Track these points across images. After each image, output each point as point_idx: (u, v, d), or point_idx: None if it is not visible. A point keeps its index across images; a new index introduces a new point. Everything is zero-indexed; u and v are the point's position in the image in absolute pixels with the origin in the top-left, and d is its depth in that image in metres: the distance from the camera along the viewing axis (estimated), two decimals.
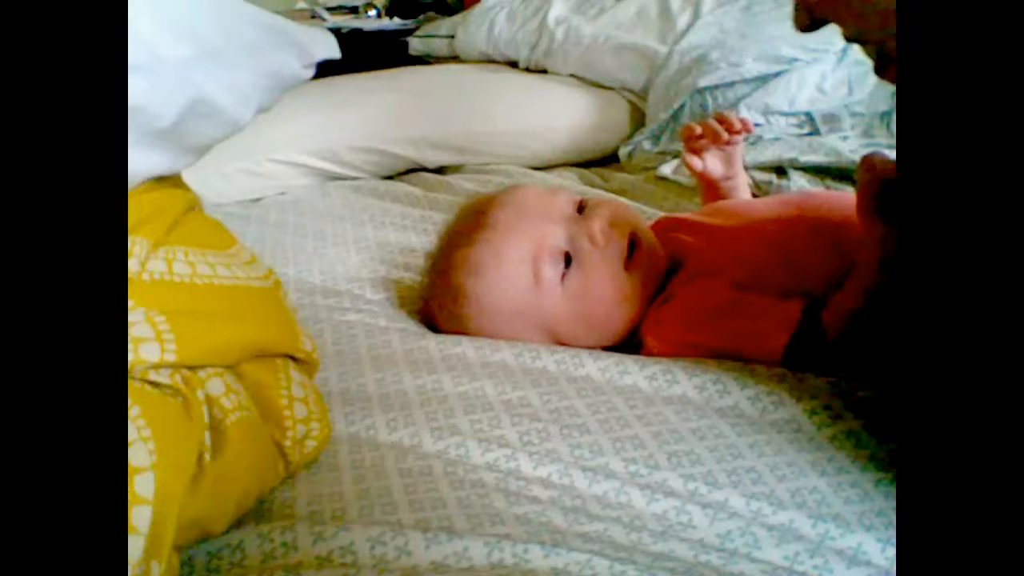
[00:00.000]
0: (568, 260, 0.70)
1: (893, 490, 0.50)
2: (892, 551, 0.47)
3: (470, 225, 0.73)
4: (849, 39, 0.58)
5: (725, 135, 0.82)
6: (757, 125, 1.22)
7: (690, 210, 0.92)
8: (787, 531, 0.48)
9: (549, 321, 0.70)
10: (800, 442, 0.55)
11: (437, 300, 0.75)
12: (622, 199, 1.05)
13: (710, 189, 0.89)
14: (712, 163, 0.86)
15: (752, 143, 1.18)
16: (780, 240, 0.71)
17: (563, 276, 0.69)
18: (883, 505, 0.49)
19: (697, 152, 0.86)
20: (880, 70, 0.56)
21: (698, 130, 0.84)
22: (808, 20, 0.61)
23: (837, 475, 0.52)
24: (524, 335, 0.70)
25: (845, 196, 0.83)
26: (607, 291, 0.70)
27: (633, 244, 0.71)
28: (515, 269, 0.70)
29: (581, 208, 0.73)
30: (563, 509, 0.50)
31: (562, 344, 0.70)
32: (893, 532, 0.48)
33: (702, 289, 0.69)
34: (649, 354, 0.68)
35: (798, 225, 0.72)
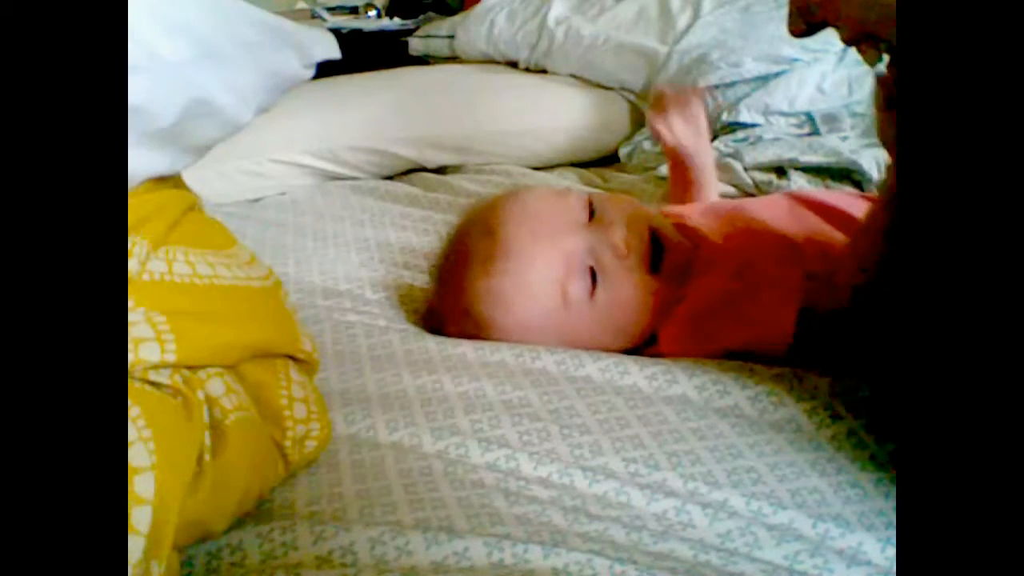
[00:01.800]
0: (593, 274, 0.68)
1: (893, 490, 0.50)
2: (892, 551, 0.47)
3: (484, 250, 0.70)
4: (848, 42, 0.58)
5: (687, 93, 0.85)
6: (757, 125, 1.22)
7: None
8: (787, 531, 0.48)
9: (576, 334, 0.69)
10: (800, 442, 0.55)
11: (454, 324, 0.73)
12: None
13: (679, 167, 0.88)
14: (680, 129, 0.86)
15: (752, 143, 1.18)
16: (781, 237, 0.71)
17: (591, 292, 0.68)
18: (883, 505, 0.49)
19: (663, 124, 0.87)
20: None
21: (667, 90, 0.87)
22: (804, 25, 0.61)
23: (837, 475, 0.52)
24: (547, 345, 0.69)
25: (841, 195, 0.83)
26: (636, 299, 0.68)
27: (656, 243, 0.70)
28: (542, 295, 0.68)
29: (591, 210, 0.71)
30: (563, 509, 0.50)
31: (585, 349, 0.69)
32: (893, 532, 0.48)
33: (707, 283, 0.69)
34: (659, 353, 0.68)
35: (797, 222, 0.72)
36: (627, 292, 0.68)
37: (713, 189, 0.93)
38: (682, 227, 0.76)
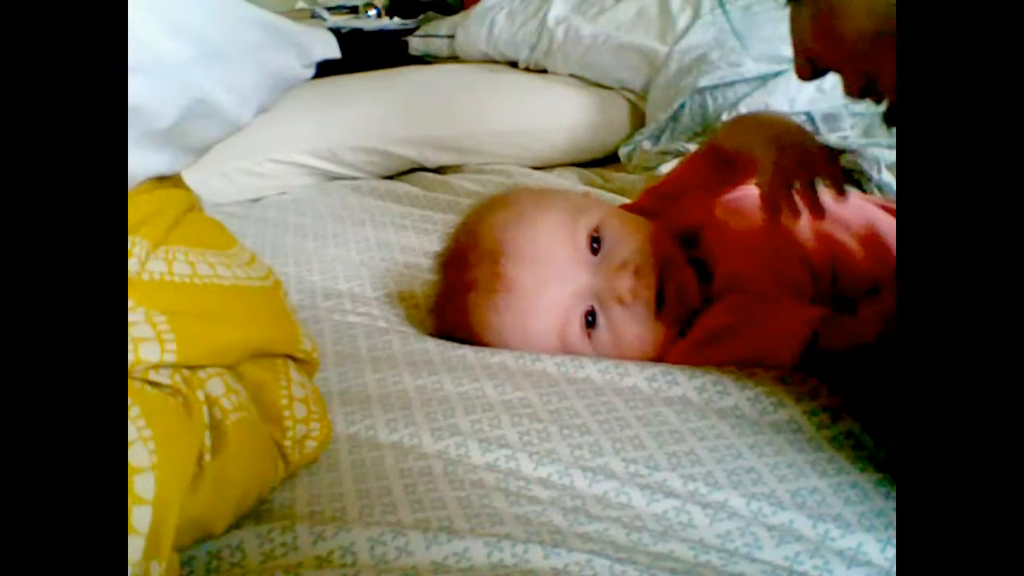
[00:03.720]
0: (593, 314, 0.67)
1: (893, 491, 0.50)
2: (892, 551, 0.47)
3: (485, 280, 0.69)
4: (850, 94, 0.58)
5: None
6: None
7: None
8: (787, 531, 0.48)
9: None
10: (800, 443, 0.55)
11: (459, 336, 0.73)
12: (624, 199, 1.05)
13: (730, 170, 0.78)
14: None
15: None
16: (799, 248, 0.71)
17: (590, 334, 0.68)
18: (883, 506, 0.49)
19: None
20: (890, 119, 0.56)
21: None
22: (811, 69, 0.61)
23: (837, 475, 0.52)
24: None
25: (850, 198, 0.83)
26: (638, 343, 0.68)
27: (663, 282, 0.68)
28: (541, 339, 0.68)
29: (597, 239, 0.69)
30: (563, 509, 0.50)
31: None
32: (893, 532, 0.48)
33: (715, 311, 0.69)
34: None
35: (814, 230, 0.72)
36: (630, 337, 0.68)
37: None
38: (710, 225, 0.74)
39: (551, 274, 0.68)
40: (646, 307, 0.67)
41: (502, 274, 0.68)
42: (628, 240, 0.70)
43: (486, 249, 0.70)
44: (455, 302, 0.72)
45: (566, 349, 0.68)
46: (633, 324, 0.68)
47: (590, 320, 0.68)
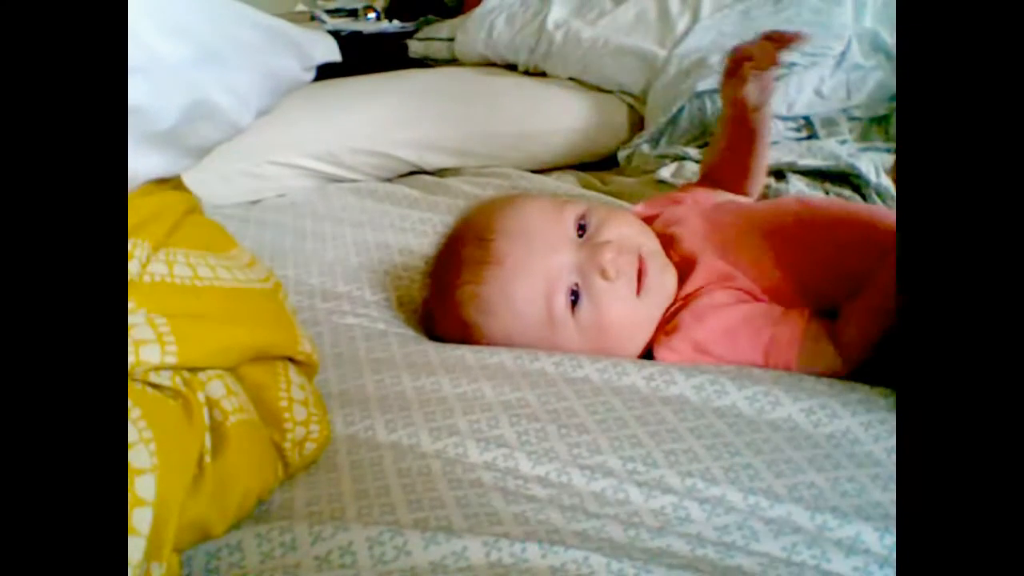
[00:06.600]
0: (577, 292, 0.68)
1: (890, 485, 0.51)
2: (890, 539, 0.47)
3: (474, 255, 0.71)
4: None
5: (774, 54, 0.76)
6: None
7: None
8: (785, 523, 0.48)
9: (562, 351, 0.69)
10: (797, 440, 0.55)
11: (444, 325, 0.74)
12: (621, 202, 1.05)
13: (738, 121, 0.84)
14: (749, 90, 0.80)
15: None
16: (790, 253, 0.71)
17: (574, 310, 0.68)
18: (880, 498, 0.50)
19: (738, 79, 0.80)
20: None
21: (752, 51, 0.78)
22: None
23: (834, 471, 0.52)
24: None
25: (848, 204, 0.83)
26: (621, 322, 0.69)
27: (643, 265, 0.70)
28: (526, 308, 0.69)
29: (583, 225, 0.71)
30: (561, 507, 0.50)
31: None
32: (890, 521, 0.48)
33: (710, 303, 0.69)
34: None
35: (807, 235, 0.72)
36: (612, 314, 0.68)
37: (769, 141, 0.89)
38: (689, 230, 0.75)
39: (537, 246, 0.69)
40: (628, 285, 0.69)
41: (491, 249, 0.70)
42: (612, 224, 0.72)
43: (476, 229, 0.73)
44: (445, 284, 0.73)
45: (552, 322, 0.69)
46: (615, 301, 0.68)
47: (574, 298, 0.68)
